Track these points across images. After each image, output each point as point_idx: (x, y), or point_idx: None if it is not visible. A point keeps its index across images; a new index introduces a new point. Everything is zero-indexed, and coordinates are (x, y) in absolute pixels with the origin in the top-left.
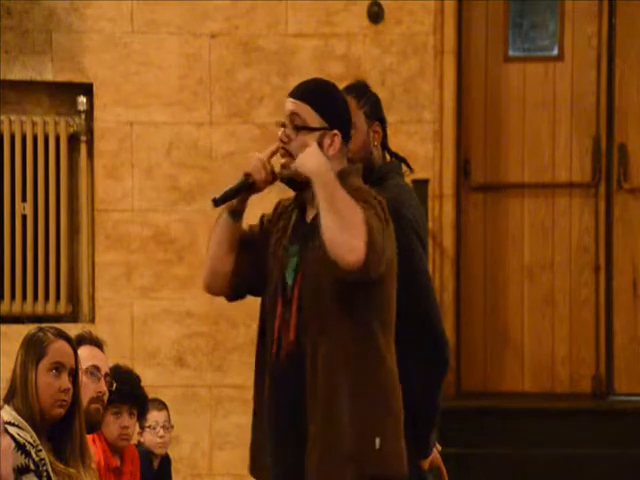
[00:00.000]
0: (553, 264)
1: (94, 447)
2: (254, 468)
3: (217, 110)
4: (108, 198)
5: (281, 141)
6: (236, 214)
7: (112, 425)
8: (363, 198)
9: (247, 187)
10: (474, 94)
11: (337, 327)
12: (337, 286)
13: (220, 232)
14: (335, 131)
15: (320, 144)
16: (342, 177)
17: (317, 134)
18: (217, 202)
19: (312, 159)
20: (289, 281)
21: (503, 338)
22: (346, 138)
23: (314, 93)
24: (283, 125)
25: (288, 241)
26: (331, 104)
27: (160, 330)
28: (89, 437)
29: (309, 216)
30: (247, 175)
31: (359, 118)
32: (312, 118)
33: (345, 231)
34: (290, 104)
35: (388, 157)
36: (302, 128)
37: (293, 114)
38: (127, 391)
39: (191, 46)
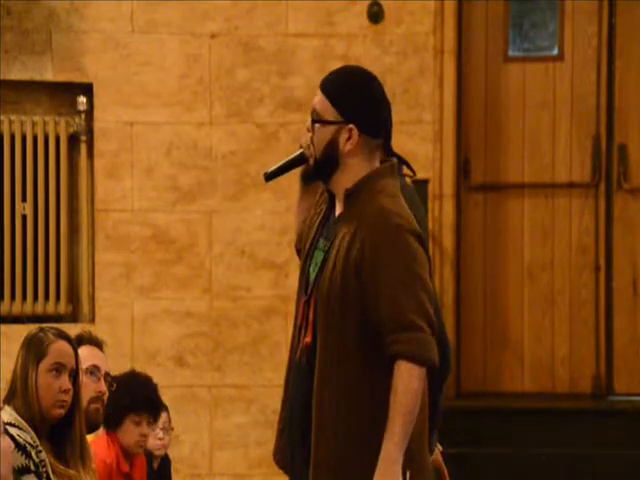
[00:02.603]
0: (553, 264)
1: (108, 451)
2: (275, 454)
3: (217, 110)
4: (108, 198)
5: (307, 131)
6: (305, 177)
7: (132, 433)
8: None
9: (300, 162)
10: (474, 94)
11: (339, 341)
12: (343, 299)
13: (298, 193)
14: (351, 125)
15: (336, 139)
16: (368, 182)
17: (332, 128)
18: (268, 177)
19: None
20: (311, 277)
21: (503, 338)
22: (372, 132)
23: (334, 85)
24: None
25: (316, 233)
26: (350, 97)
27: (160, 330)
28: (103, 440)
29: (337, 209)
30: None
31: None
32: (328, 111)
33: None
34: (316, 95)
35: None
36: (316, 121)
37: (314, 105)
38: (149, 401)
39: (191, 46)
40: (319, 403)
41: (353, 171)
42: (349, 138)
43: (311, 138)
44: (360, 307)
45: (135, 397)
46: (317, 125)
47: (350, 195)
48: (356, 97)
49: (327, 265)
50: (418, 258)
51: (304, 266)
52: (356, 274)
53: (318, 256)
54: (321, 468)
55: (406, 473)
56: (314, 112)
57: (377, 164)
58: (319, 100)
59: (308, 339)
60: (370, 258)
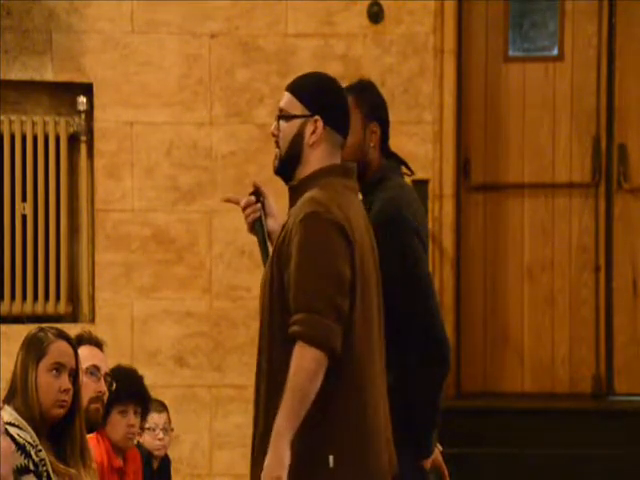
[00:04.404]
0: (553, 264)
1: (98, 447)
2: None
3: (217, 110)
4: (108, 198)
5: (272, 134)
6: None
7: (118, 424)
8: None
9: (262, 230)
10: (474, 94)
11: (268, 328)
12: (271, 287)
13: None
14: (316, 117)
15: (302, 132)
16: (313, 178)
17: (298, 122)
18: (265, 259)
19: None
20: None
21: (503, 338)
22: (336, 125)
23: (299, 83)
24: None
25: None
26: (314, 92)
27: (160, 330)
28: (93, 437)
29: None
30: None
31: (355, 118)
32: (293, 106)
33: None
34: (283, 97)
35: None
36: (282, 117)
37: (280, 105)
38: (132, 390)
39: (191, 46)
40: (256, 387)
41: (312, 166)
42: (314, 130)
43: (276, 141)
44: (281, 296)
45: (118, 388)
46: (283, 122)
47: (294, 189)
48: (320, 90)
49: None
50: (329, 246)
51: None
52: (278, 263)
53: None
54: (253, 451)
55: (328, 457)
56: (280, 110)
57: (337, 162)
58: (285, 99)
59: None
60: (287, 245)
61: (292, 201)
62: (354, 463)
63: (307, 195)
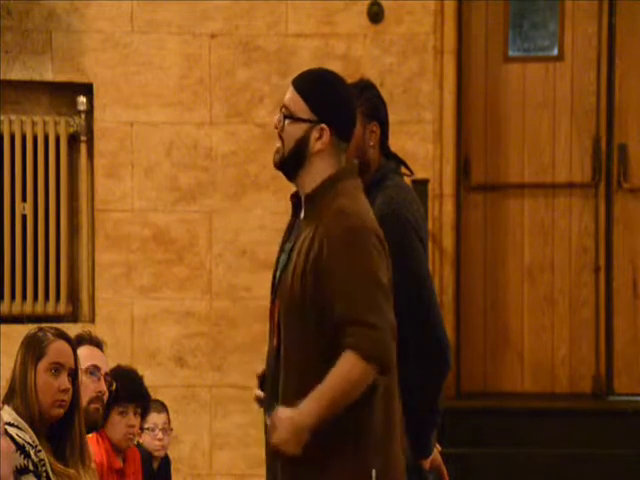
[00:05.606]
0: (553, 264)
1: (97, 448)
2: None
3: (217, 110)
4: (108, 198)
5: (275, 127)
6: None
7: (118, 424)
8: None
9: None
10: (474, 94)
11: (299, 342)
12: (302, 298)
13: None
14: (323, 125)
15: (307, 137)
16: (328, 184)
17: (304, 126)
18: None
19: (284, 438)
20: (276, 280)
21: (503, 338)
22: (342, 135)
23: (309, 84)
24: (281, 109)
25: (284, 238)
26: (324, 97)
27: (160, 330)
28: (93, 438)
29: (302, 212)
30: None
31: None
32: (301, 109)
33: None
34: (288, 92)
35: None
36: (288, 117)
37: (287, 102)
38: (133, 390)
39: (191, 46)
40: (284, 398)
41: (318, 172)
42: (320, 137)
43: (279, 134)
44: (318, 307)
45: (118, 388)
46: (287, 121)
47: (311, 198)
48: (330, 97)
49: (289, 267)
50: (374, 257)
51: (274, 271)
52: (314, 273)
53: (283, 259)
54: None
55: (371, 472)
56: (285, 108)
57: (343, 165)
58: (291, 97)
59: (276, 342)
60: (327, 257)
61: (308, 209)
62: (386, 475)
63: (336, 206)
